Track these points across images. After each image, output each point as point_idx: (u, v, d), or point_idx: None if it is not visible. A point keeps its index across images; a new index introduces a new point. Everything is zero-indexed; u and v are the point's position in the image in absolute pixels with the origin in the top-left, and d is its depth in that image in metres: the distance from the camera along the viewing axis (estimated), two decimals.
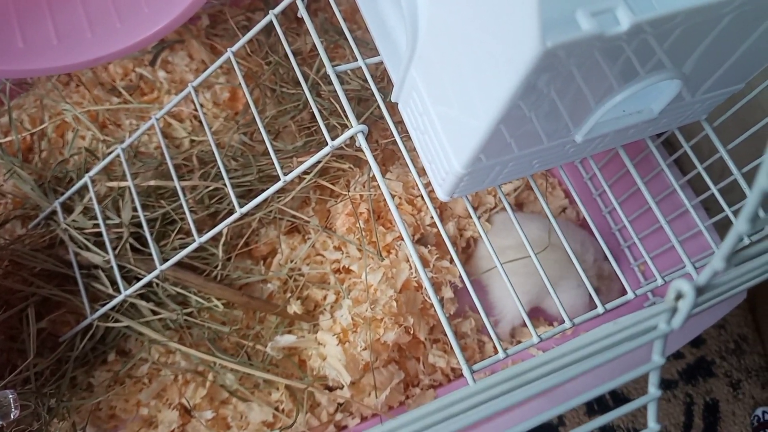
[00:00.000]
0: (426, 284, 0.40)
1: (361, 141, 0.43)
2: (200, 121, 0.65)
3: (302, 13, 0.45)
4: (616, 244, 0.65)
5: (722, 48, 0.36)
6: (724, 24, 0.32)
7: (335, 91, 0.53)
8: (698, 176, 0.51)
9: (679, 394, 0.66)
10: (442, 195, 0.42)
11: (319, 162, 0.60)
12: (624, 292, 0.45)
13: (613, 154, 0.62)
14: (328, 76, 0.62)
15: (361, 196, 0.61)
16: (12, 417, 0.39)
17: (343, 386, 0.56)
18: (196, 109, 0.65)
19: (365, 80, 0.63)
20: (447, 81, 0.36)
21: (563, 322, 0.42)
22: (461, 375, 0.60)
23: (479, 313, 0.63)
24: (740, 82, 0.44)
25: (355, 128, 0.43)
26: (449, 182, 0.40)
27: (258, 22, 0.67)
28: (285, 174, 0.45)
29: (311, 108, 0.62)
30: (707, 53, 0.36)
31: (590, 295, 0.60)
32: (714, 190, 0.48)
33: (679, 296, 0.24)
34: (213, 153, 0.62)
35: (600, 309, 0.42)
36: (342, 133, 0.57)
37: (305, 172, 0.60)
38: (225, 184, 0.57)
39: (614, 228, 0.65)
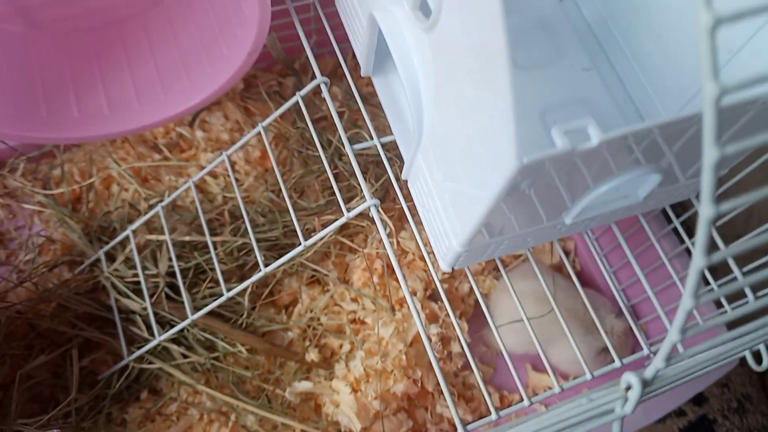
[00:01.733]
0: (425, 341, 0.44)
1: (374, 213, 0.48)
2: (234, 178, 0.71)
3: (326, 97, 0.50)
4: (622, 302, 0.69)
5: (699, 143, 0.40)
6: (691, 132, 0.37)
7: (357, 154, 0.58)
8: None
9: None
10: (444, 266, 0.46)
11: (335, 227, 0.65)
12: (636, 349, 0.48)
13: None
14: (352, 138, 0.68)
15: (378, 252, 0.65)
16: None
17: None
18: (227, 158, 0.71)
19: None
20: (448, 168, 0.40)
21: (566, 372, 0.45)
22: (468, 422, 0.64)
23: (489, 366, 0.67)
24: (725, 168, 0.47)
25: (368, 202, 0.47)
26: (450, 256, 0.44)
27: (288, 87, 0.73)
28: (306, 239, 0.50)
29: (334, 168, 0.67)
30: (683, 151, 0.40)
31: (595, 350, 0.64)
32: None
33: (628, 387, 0.28)
34: (244, 208, 0.68)
35: (587, 376, 0.46)
36: (361, 195, 0.62)
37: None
38: (251, 240, 0.63)
39: (618, 287, 0.69)
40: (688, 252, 0.60)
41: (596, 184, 0.39)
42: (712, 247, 0.22)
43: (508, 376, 0.67)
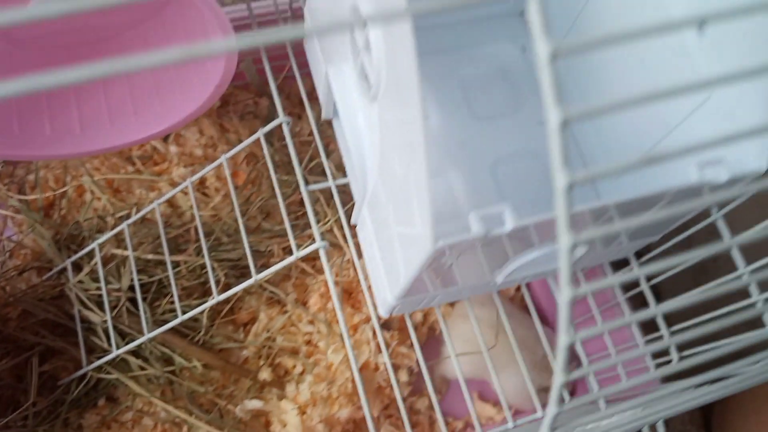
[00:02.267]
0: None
1: (322, 256, 0.50)
2: (204, 193, 0.73)
3: (286, 137, 0.52)
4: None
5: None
6: (609, 214, 0.39)
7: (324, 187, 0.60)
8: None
9: None
10: (383, 312, 0.48)
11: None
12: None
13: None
14: (318, 167, 0.70)
15: (336, 278, 0.68)
16: None
17: None
18: (200, 183, 0.73)
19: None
20: (385, 228, 0.43)
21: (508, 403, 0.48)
22: None
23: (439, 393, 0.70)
24: (655, 236, 0.50)
25: (318, 244, 0.49)
26: (387, 305, 0.46)
27: (263, 106, 0.75)
28: (265, 262, 0.53)
29: (301, 194, 0.69)
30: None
31: (538, 386, 0.66)
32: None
33: None
34: (211, 225, 0.70)
35: (539, 413, 0.48)
36: (324, 221, 0.64)
37: (288, 252, 0.67)
38: (216, 260, 0.65)
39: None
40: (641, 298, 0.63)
41: (520, 254, 0.41)
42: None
43: (453, 404, 0.69)
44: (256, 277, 0.52)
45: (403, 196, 0.38)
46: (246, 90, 0.78)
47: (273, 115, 0.75)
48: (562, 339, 0.23)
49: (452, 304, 0.72)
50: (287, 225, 0.51)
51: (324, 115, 0.54)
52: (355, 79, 0.42)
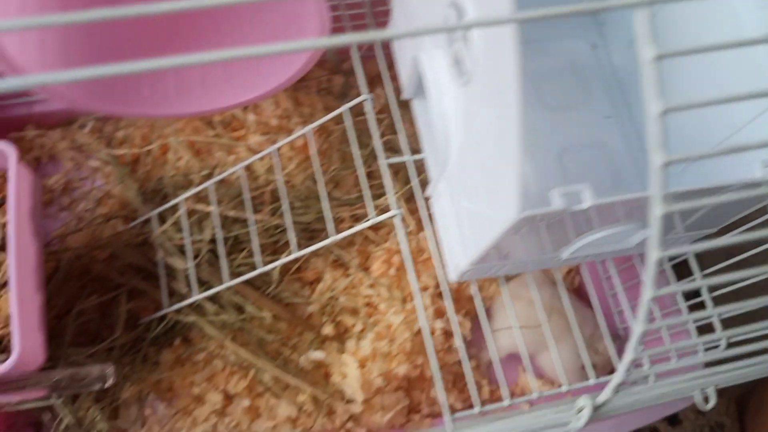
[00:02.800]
0: (425, 334, 0.52)
1: (397, 223, 0.54)
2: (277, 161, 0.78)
3: (368, 115, 0.57)
4: (615, 325, 0.75)
5: (686, 212, 0.46)
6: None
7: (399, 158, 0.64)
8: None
9: None
10: (452, 277, 0.53)
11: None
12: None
13: None
14: (388, 142, 0.74)
15: (397, 247, 0.73)
16: (107, 385, 0.53)
17: (356, 401, 0.69)
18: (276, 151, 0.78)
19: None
20: (464, 200, 0.47)
21: (553, 378, 0.52)
22: (456, 411, 0.72)
23: (480, 360, 0.75)
24: (713, 228, 0.53)
25: (392, 212, 0.54)
26: (458, 270, 0.51)
27: (336, 84, 0.79)
28: (336, 230, 0.58)
29: (369, 167, 0.74)
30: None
31: (581, 364, 0.71)
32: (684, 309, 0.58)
33: (581, 408, 0.35)
34: (284, 190, 0.75)
35: (564, 388, 0.53)
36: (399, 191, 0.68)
37: (355, 219, 0.72)
38: (287, 223, 0.70)
39: (614, 310, 0.75)
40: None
41: (590, 232, 0.45)
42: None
43: (510, 376, 0.74)
44: (334, 237, 0.57)
45: (486, 171, 0.42)
46: (321, 67, 0.82)
47: (346, 91, 0.80)
48: (653, 254, 0.27)
49: (510, 278, 0.76)
50: (365, 191, 0.56)
51: (404, 95, 0.58)
52: (447, 64, 0.46)
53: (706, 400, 0.44)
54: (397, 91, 0.61)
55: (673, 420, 0.78)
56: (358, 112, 0.78)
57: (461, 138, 0.47)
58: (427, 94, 0.48)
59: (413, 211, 0.75)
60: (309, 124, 0.78)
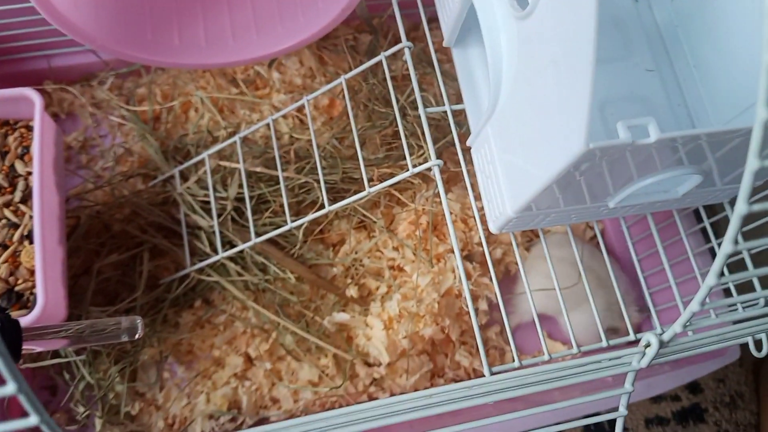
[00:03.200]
0: (466, 294, 0.50)
1: (436, 174, 0.53)
2: (301, 120, 0.76)
3: (408, 62, 0.55)
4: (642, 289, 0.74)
5: (737, 155, 0.45)
6: (736, 142, 0.41)
7: (419, 116, 0.63)
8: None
9: (669, 431, 0.75)
10: (493, 228, 0.52)
11: (394, 173, 0.71)
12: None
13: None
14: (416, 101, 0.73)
15: (423, 209, 0.71)
16: (137, 337, 0.51)
17: (380, 364, 0.67)
18: (298, 110, 0.77)
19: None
20: (514, 142, 0.46)
21: (577, 341, 0.51)
22: (480, 375, 0.70)
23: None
24: (762, 179, 0.52)
25: (432, 162, 0.53)
26: (501, 221, 0.50)
27: (363, 42, 0.78)
28: (370, 186, 0.56)
29: (395, 127, 0.72)
30: (723, 158, 0.45)
31: (607, 326, 0.70)
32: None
33: (648, 345, 0.34)
34: (308, 150, 0.73)
35: (604, 343, 0.52)
36: (418, 154, 0.67)
37: (379, 180, 0.71)
38: (317, 180, 0.69)
39: (641, 274, 0.74)
40: (712, 253, 0.65)
41: (643, 176, 0.44)
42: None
43: (524, 340, 0.73)
44: (369, 190, 0.56)
45: (542, 110, 0.41)
46: (347, 25, 0.81)
47: (373, 50, 0.78)
48: (740, 207, 0.26)
49: (529, 249, 0.76)
50: (404, 143, 0.55)
51: (446, 42, 0.56)
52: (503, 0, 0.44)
53: (759, 347, 0.43)
54: (437, 44, 0.59)
55: (694, 389, 0.77)
56: (380, 73, 0.77)
57: (513, 77, 0.45)
58: (482, 29, 0.47)
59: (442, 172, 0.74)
60: (344, 91, 0.76)
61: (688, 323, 0.32)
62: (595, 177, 0.43)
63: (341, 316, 0.68)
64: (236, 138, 0.66)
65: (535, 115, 0.42)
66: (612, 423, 0.77)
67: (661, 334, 0.34)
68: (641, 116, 0.53)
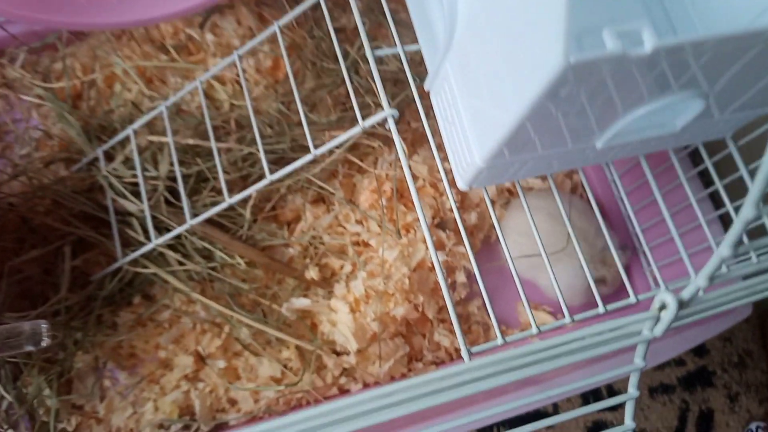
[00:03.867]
0: (437, 267, 0.42)
1: (391, 125, 0.45)
2: (241, 86, 0.67)
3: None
4: (637, 245, 0.67)
5: (750, 73, 0.37)
6: (752, 54, 0.34)
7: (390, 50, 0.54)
8: (726, 188, 0.52)
9: (676, 399, 0.68)
10: (461, 184, 0.44)
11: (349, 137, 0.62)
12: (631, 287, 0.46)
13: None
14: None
15: (387, 174, 0.63)
16: (42, 345, 0.43)
17: (349, 352, 0.59)
18: (238, 75, 0.68)
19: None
20: (477, 76, 0.38)
21: (558, 303, 0.44)
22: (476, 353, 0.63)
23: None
24: (763, 108, 0.44)
25: (386, 112, 0.45)
26: (469, 173, 0.41)
27: None
28: (316, 147, 0.48)
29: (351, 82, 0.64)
30: (734, 77, 0.37)
31: (593, 279, 0.62)
32: (729, 208, 0.49)
33: (662, 307, 0.26)
34: (250, 118, 0.65)
35: (601, 309, 0.44)
36: (375, 113, 0.59)
37: (336, 147, 0.62)
38: (258, 150, 0.60)
39: (635, 229, 0.67)
40: (713, 199, 0.58)
41: (636, 104, 0.36)
42: None
43: (505, 312, 0.65)
44: (315, 152, 0.47)
45: (509, 31, 0.33)
46: None
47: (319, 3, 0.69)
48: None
49: (506, 208, 0.68)
50: (352, 95, 0.46)
51: None
52: None
53: None
54: None
55: (700, 351, 0.70)
56: (337, 30, 0.68)
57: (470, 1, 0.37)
58: None
59: (402, 132, 0.65)
60: (275, 42, 0.68)
61: (717, 274, 0.24)
62: (579, 109, 0.35)
63: (301, 302, 0.60)
64: (162, 107, 0.57)
65: (500, 37, 0.34)
66: (610, 389, 0.70)
67: (680, 293, 0.26)
68: None
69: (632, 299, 0.44)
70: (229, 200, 0.52)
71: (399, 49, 0.48)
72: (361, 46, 0.64)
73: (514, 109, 0.33)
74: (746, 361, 0.70)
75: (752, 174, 0.50)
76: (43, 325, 0.43)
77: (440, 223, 0.64)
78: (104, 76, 0.68)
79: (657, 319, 0.27)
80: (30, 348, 0.41)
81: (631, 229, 0.67)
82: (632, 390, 0.30)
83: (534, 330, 0.43)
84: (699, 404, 0.67)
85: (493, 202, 0.67)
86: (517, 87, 0.33)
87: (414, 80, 0.47)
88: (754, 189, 0.20)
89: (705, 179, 0.64)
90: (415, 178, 0.65)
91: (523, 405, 0.33)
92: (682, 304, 0.26)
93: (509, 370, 0.29)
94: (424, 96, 0.47)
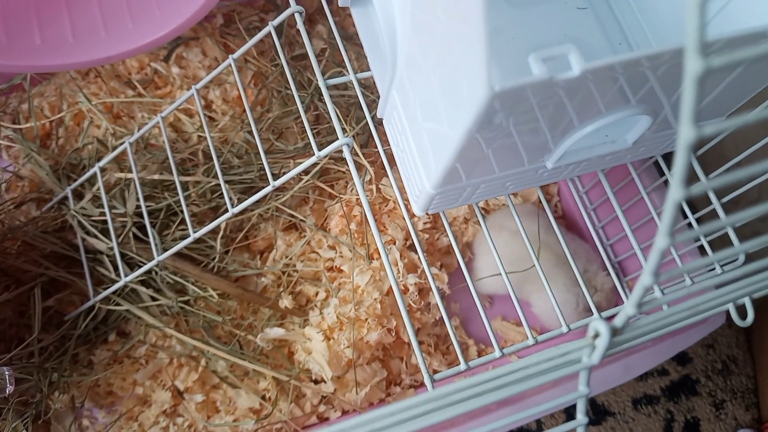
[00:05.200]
0: (395, 289, 0.42)
1: (346, 153, 0.45)
2: (211, 118, 0.68)
3: (300, 28, 0.47)
4: (606, 259, 0.66)
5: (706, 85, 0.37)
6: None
7: (338, 95, 0.54)
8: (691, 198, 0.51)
9: (660, 410, 0.67)
10: (417, 210, 0.43)
11: (317, 163, 0.62)
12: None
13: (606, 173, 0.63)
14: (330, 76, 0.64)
15: (357, 198, 0.63)
16: (7, 393, 0.42)
17: (326, 380, 0.59)
18: (206, 106, 0.68)
19: (367, 86, 0.65)
20: (419, 105, 0.38)
21: (546, 327, 0.44)
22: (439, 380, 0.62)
23: (462, 317, 0.65)
24: (721, 115, 0.44)
25: (341, 141, 0.45)
26: (423, 199, 0.41)
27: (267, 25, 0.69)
28: (276, 177, 0.48)
29: (314, 110, 0.64)
30: (676, 92, 0.37)
31: (583, 305, 0.62)
32: (691, 218, 0.49)
33: (597, 335, 0.26)
34: (219, 148, 0.65)
35: (564, 328, 0.44)
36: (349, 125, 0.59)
37: (304, 172, 0.62)
38: (226, 181, 0.60)
39: (605, 243, 0.66)
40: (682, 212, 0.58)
41: (580, 123, 0.36)
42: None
43: (485, 330, 0.65)
44: (273, 184, 0.47)
45: (446, 54, 0.33)
46: (251, 6, 0.72)
47: (281, 31, 0.70)
48: (686, 133, 0.18)
49: (490, 211, 0.67)
50: (306, 123, 0.46)
51: (341, 2, 0.48)
52: None
53: (744, 315, 0.36)
54: (341, 16, 0.51)
55: (682, 359, 0.70)
56: (296, 49, 0.69)
57: (408, 24, 0.37)
58: None
59: (370, 156, 0.65)
60: (241, 71, 0.68)
61: (643, 303, 0.24)
62: (522, 131, 0.35)
63: (275, 332, 0.60)
64: (126, 144, 0.57)
65: (435, 66, 0.34)
66: (594, 404, 0.69)
67: (611, 320, 0.26)
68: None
69: (595, 316, 0.44)
70: (193, 234, 0.51)
71: (352, 77, 0.48)
72: (325, 71, 0.64)
73: (453, 136, 0.33)
74: (731, 367, 0.70)
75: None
76: (7, 372, 0.42)
77: (412, 244, 0.64)
78: (72, 114, 0.68)
79: (593, 347, 0.27)
80: None
81: (599, 245, 0.67)
82: (581, 416, 0.29)
83: (497, 353, 0.43)
84: (684, 414, 0.67)
85: (466, 220, 0.67)
86: (453, 115, 0.32)
87: (369, 108, 0.47)
88: (665, 219, 0.20)
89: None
90: (385, 200, 0.65)
91: (491, 428, 0.33)
92: (615, 331, 0.26)
93: (453, 402, 0.29)
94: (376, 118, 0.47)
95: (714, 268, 0.47)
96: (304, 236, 0.64)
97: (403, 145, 0.42)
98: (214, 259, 0.61)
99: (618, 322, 0.25)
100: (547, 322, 0.63)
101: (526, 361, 0.29)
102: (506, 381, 0.28)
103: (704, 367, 0.70)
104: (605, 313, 0.46)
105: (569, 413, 0.68)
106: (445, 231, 0.65)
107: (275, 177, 0.47)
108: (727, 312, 0.61)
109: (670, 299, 0.25)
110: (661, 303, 0.26)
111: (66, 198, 0.62)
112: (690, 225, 0.52)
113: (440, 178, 0.38)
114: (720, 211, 0.47)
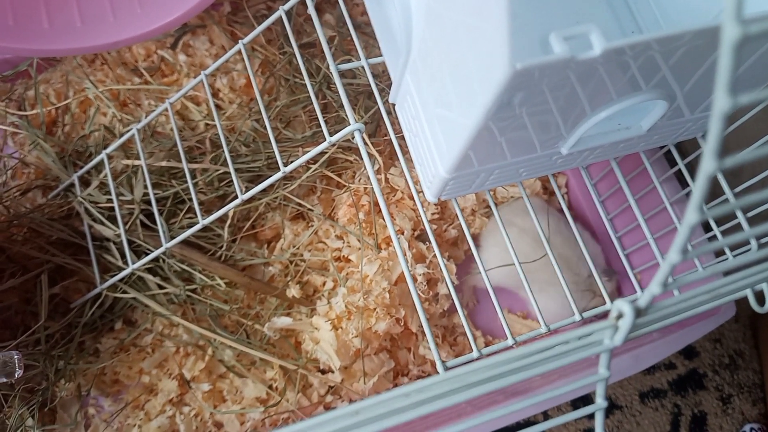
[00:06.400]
0: (407, 277, 0.42)
1: (358, 139, 0.44)
2: (218, 106, 0.67)
3: (311, 12, 0.47)
4: (618, 250, 0.66)
5: (710, 74, 0.37)
6: (717, 54, 0.33)
7: (347, 84, 0.54)
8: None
9: (667, 404, 0.67)
10: (429, 196, 0.43)
11: (325, 152, 0.62)
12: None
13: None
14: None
15: (365, 188, 0.63)
16: (16, 376, 0.42)
17: (333, 370, 0.59)
18: (214, 94, 0.67)
19: (376, 74, 0.64)
20: (435, 89, 0.37)
21: (552, 320, 0.44)
22: (451, 367, 0.62)
23: (469, 309, 0.65)
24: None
25: (352, 126, 0.44)
26: (436, 185, 0.41)
27: (276, 11, 0.69)
28: (286, 165, 0.47)
29: (322, 99, 0.64)
30: (702, 77, 0.36)
31: (582, 308, 0.61)
32: (704, 207, 0.49)
33: (620, 315, 0.26)
34: (226, 137, 0.64)
35: (577, 317, 0.44)
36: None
37: (312, 161, 0.62)
38: (235, 169, 0.60)
39: (615, 235, 0.66)
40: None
41: (596, 108, 0.35)
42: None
43: (494, 321, 0.65)
44: (284, 169, 0.47)
45: (465, 34, 0.32)
46: None
47: (289, 20, 0.69)
48: (721, 103, 0.18)
49: (489, 216, 0.67)
50: (317, 109, 0.46)
51: None
52: None
53: (762, 301, 0.35)
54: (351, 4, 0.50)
55: (689, 353, 0.69)
56: (304, 37, 0.68)
57: (424, 5, 0.37)
58: None
59: (378, 145, 0.65)
60: (250, 60, 0.67)
61: (669, 281, 0.23)
62: (538, 115, 0.35)
63: (283, 321, 0.59)
64: (133, 130, 0.56)
65: (453, 46, 0.34)
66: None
67: (635, 300, 0.25)
68: None
69: (608, 306, 0.44)
70: (202, 221, 0.51)
71: (363, 62, 0.48)
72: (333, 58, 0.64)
73: (471, 119, 0.33)
74: (738, 361, 0.69)
75: (725, 174, 0.49)
76: (16, 356, 0.42)
77: (420, 234, 0.64)
78: (78, 102, 0.67)
79: (616, 329, 0.26)
80: (3, 380, 0.41)
81: (612, 235, 0.66)
82: (600, 401, 0.29)
83: (509, 341, 0.43)
84: (691, 408, 0.66)
85: (473, 211, 0.66)
86: (471, 97, 0.32)
87: (380, 94, 0.47)
88: (696, 194, 0.20)
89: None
90: (393, 190, 0.64)
91: (500, 417, 0.33)
92: (639, 312, 0.25)
93: (475, 384, 0.28)
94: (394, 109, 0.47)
95: (726, 257, 0.46)
96: (312, 226, 0.64)
97: (417, 129, 0.41)
98: (221, 247, 0.61)
99: (642, 302, 0.25)
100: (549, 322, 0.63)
101: (547, 342, 0.28)
102: (527, 362, 0.28)
103: (711, 361, 0.69)
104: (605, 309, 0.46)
105: (575, 406, 0.67)
106: (452, 223, 0.65)
107: (284, 165, 0.47)
108: (736, 306, 0.60)
109: (701, 276, 0.24)
110: (680, 285, 0.26)
111: (72, 185, 0.62)
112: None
113: (455, 163, 0.37)
114: (730, 195, 0.47)
